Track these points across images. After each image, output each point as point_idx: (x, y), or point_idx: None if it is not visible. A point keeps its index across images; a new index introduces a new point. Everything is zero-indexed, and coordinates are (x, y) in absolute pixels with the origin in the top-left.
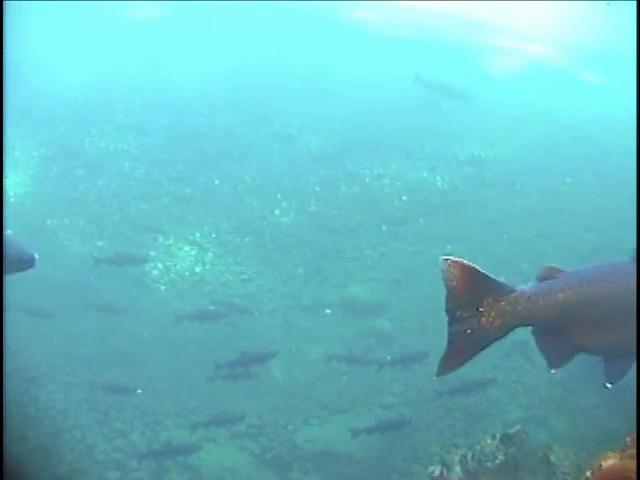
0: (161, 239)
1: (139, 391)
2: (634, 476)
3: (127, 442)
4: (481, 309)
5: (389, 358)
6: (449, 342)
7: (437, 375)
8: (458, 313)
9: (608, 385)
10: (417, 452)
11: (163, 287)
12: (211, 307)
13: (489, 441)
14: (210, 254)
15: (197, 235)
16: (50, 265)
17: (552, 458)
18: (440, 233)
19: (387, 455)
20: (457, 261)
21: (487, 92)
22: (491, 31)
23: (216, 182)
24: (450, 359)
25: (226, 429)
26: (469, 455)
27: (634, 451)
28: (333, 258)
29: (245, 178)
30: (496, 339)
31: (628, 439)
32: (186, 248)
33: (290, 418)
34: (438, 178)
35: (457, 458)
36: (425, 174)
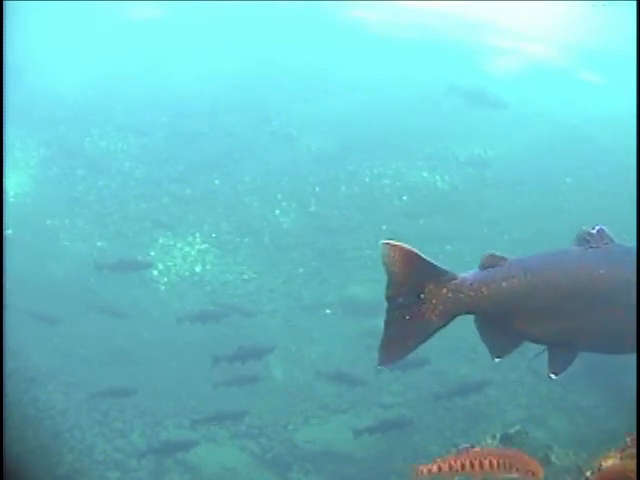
0: (161, 239)
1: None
2: (634, 476)
3: (127, 442)
4: (422, 296)
5: None
6: (386, 329)
7: (378, 365)
8: (399, 300)
9: (552, 376)
10: (417, 452)
11: (163, 287)
12: (212, 308)
13: (489, 441)
14: (210, 254)
15: (197, 235)
16: (50, 265)
17: (552, 458)
18: (440, 233)
19: (387, 455)
20: (397, 245)
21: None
22: (491, 31)
23: (216, 182)
24: (390, 348)
25: (226, 429)
26: None
27: (634, 451)
28: (333, 258)
29: (245, 178)
30: (439, 328)
31: (628, 439)
32: (186, 248)
33: (290, 418)
34: (438, 178)
35: None
36: (425, 174)
